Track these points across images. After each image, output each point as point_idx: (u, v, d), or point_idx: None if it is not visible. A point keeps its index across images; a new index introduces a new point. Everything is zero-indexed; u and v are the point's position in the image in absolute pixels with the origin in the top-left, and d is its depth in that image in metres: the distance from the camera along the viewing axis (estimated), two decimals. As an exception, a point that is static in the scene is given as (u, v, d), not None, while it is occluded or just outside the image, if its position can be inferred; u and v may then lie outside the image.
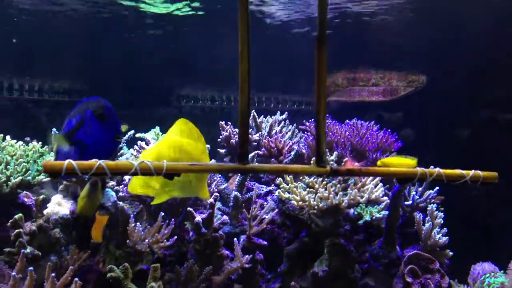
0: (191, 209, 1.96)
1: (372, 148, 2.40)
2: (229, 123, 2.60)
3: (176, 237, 1.92)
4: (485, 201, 3.75)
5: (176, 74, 5.24)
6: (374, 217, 2.08)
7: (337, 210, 1.91)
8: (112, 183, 2.18)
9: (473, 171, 1.19)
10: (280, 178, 2.10)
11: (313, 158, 2.07)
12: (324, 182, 1.96)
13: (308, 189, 1.97)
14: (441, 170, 1.19)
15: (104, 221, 1.65)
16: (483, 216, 3.81)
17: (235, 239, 1.98)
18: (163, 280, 1.97)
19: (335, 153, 2.12)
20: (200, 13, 3.76)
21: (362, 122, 2.86)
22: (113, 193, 2.04)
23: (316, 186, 1.92)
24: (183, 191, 1.32)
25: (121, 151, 2.30)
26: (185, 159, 1.30)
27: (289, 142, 2.43)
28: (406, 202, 2.42)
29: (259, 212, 2.13)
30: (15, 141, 2.19)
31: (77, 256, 1.84)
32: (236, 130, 2.55)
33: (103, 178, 1.79)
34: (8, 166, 1.97)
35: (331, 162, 2.02)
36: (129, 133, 2.18)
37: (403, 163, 1.80)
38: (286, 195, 1.98)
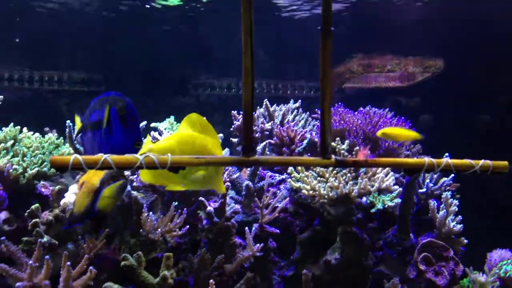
0: (203, 199, 1.99)
1: (385, 136, 2.37)
2: (242, 112, 2.61)
3: (188, 226, 1.95)
4: (503, 187, 3.70)
5: (192, 62, 5.26)
6: (386, 206, 2.07)
7: (348, 199, 1.91)
8: (126, 172, 2.22)
9: (482, 160, 1.18)
10: (291, 167, 2.11)
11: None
12: (335, 172, 1.96)
13: (319, 178, 1.97)
14: (450, 160, 1.18)
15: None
16: (501, 203, 3.76)
17: (246, 228, 2.00)
18: (177, 267, 2.01)
19: (347, 141, 2.11)
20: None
21: (376, 109, 2.84)
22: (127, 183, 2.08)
23: (327, 175, 1.92)
24: (200, 185, 1.35)
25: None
26: (196, 154, 1.32)
27: (301, 131, 2.43)
28: (420, 190, 2.41)
29: (271, 200, 2.15)
30: (31, 133, 2.24)
31: (93, 245, 1.88)
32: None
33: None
34: (25, 158, 2.02)
35: (342, 151, 2.02)
36: (141, 124, 2.20)
37: (403, 134, 1.80)
38: (297, 184, 1.98)
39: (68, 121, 1.95)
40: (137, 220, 1.94)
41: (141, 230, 1.87)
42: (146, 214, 1.88)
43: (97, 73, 5.43)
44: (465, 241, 2.29)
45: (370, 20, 3.86)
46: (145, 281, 1.73)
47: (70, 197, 2.22)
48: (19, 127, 2.23)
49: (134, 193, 2.09)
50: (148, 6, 4.06)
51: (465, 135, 4.32)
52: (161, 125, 2.89)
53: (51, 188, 2.11)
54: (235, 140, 2.54)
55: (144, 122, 2.25)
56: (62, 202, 2.11)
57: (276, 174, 2.42)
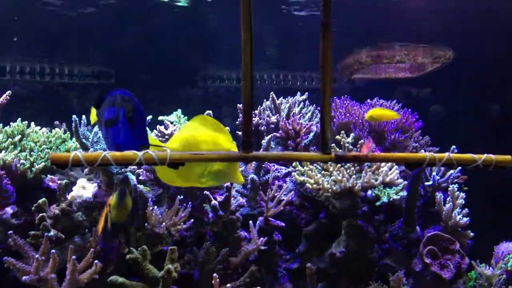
0: (207, 193, 2.00)
1: (391, 128, 2.36)
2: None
3: (192, 220, 1.97)
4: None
5: (201, 54, 5.25)
6: (391, 199, 2.07)
7: (352, 193, 1.90)
8: (132, 166, 2.23)
9: (485, 155, 1.17)
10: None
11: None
12: (339, 165, 1.96)
13: (323, 172, 1.97)
14: (452, 155, 1.17)
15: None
16: (508, 195, 3.72)
17: (251, 222, 2.01)
18: (183, 260, 2.03)
19: (352, 135, 2.10)
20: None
21: (383, 101, 2.82)
22: (133, 177, 2.10)
23: (331, 169, 1.92)
24: (218, 180, 1.35)
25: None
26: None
27: (307, 124, 2.42)
28: (426, 183, 2.39)
29: (276, 194, 2.15)
30: (39, 127, 2.26)
31: (99, 238, 1.91)
32: (254, 112, 2.55)
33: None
34: (32, 153, 2.05)
35: (347, 144, 2.01)
36: (147, 118, 2.21)
37: (387, 114, 1.87)
38: (301, 178, 1.98)
39: (74, 116, 1.97)
40: (143, 214, 1.96)
41: (146, 224, 1.89)
42: (151, 208, 1.89)
43: (107, 66, 5.45)
44: (471, 234, 2.28)
45: (380, 8, 3.80)
46: (149, 274, 1.75)
47: (78, 190, 2.25)
48: (26, 122, 2.26)
49: (140, 187, 2.11)
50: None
51: (476, 125, 4.28)
52: (168, 118, 2.90)
53: (59, 182, 2.14)
54: (241, 133, 2.54)
55: (150, 116, 2.26)
56: (69, 196, 2.14)
57: (282, 167, 2.42)
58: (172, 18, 4.53)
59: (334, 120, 2.42)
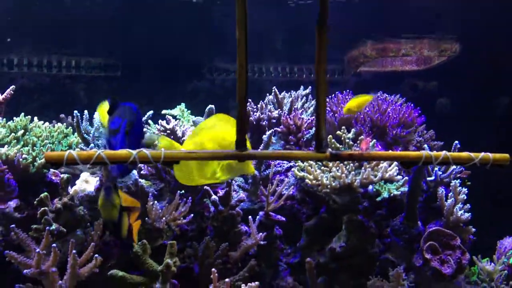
0: (208, 188, 2.01)
1: (393, 123, 2.35)
2: (250, 100, 2.61)
3: (192, 214, 1.98)
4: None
5: (207, 46, 5.24)
6: (392, 194, 2.07)
7: (351, 189, 1.90)
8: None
9: (482, 153, 1.17)
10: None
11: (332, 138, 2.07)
12: (338, 161, 1.96)
13: (323, 168, 1.97)
14: (448, 153, 1.17)
15: (137, 226, 1.68)
16: (507, 193, 3.69)
17: (250, 217, 2.02)
18: (183, 254, 2.05)
19: (353, 130, 2.10)
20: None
21: (387, 95, 2.81)
22: (135, 171, 2.11)
23: (330, 165, 1.92)
24: (232, 173, 1.36)
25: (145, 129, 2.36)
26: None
27: (308, 119, 2.42)
28: (428, 178, 2.39)
29: (277, 188, 2.16)
30: (41, 122, 2.28)
31: (101, 232, 1.93)
32: (255, 106, 2.55)
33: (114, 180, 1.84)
34: (35, 147, 2.07)
35: (348, 140, 2.01)
36: (148, 114, 2.23)
37: (361, 100, 1.87)
38: (301, 173, 1.99)
39: (75, 112, 1.98)
40: (144, 208, 1.98)
41: (146, 218, 1.91)
42: (151, 203, 1.91)
43: (114, 58, 5.47)
44: (473, 229, 2.28)
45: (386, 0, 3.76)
46: (149, 268, 1.77)
47: (81, 184, 2.27)
48: (29, 116, 2.28)
49: (142, 181, 2.12)
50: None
51: (484, 118, 4.24)
52: (172, 112, 2.91)
53: (61, 176, 2.16)
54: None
55: (151, 112, 2.27)
56: (72, 190, 2.16)
57: (284, 162, 2.42)
58: (179, 11, 4.53)
59: (336, 115, 2.41)
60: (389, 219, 2.37)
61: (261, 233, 1.99)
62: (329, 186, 1.89)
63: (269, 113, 2.44)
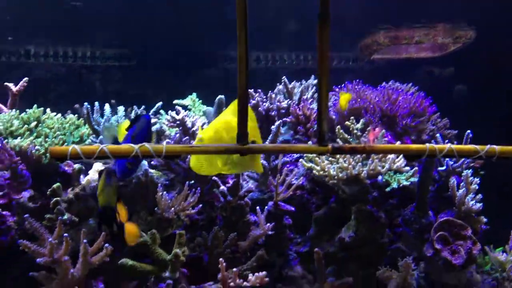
0: (216, 178, 2.03)
1: (403, 113, 2.33)
2: (259, 90, 2.61)
3: (201, 205, 2.01)
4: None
5: (220, 34, 5.23)
6: (401, 185, 2.06)
7: (358, 180, 1.90)
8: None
9: (488, 146, 1.16)
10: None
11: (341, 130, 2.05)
12: (345, 152, 1.95)
13: (330, 159, 1.97)
14: (453, 146, 1.16)
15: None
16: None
17: (258, 207, 2.04)
18: (193, 243, 2.08)
19: (362, 120, 2.09)
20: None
21: (399, 84, 2.78)
22: (145, 162, 2.14)
23: (337, 156, 1.92)
24: (240, 168, 1.38)
25: (155, 121, 2.38)
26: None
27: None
28: (440, 168, 2.37)
29: (286, 178, 2.16)
30: (54, 114, 2.33)
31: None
32: (265, 96, 2.55)
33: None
34: (47, 139, 2.11)
35: (356, 131, 2.00)
36: (157, 105, 2.25)
37: (343, 98, 1.87)
38: (309, 164, 1.99)
39: (85, 104, 2.01)
40: (154, 199, 2.01)
41: (156, 208, 1.94)
42: (160, 193, 1.94)
43: (128, 48, 5.50)
44: (485, 219, 2.26)
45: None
46: (159, 257, 1.80)
47: (94, 174, 2.31)
48: (42, 108, 2.32)
49: (152, 171, 2.15)
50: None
51: (502, 105, 4.16)
52: (183, 102, 2.93)
53: (74, 166, 2.20)
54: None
55: (160, 103, 2.29)
56: (85, 179, 2.20)
57: (294, 152, 2.42)
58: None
59: (345, 105, 2.39)
60: (400, 209, 2.37)
61: (268, 224, 2.01)
62: (336, 177, 1.89)
63: (278, 103, 2.44)
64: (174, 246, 1.79)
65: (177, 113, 2.31)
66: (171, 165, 2.14)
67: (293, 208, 2.20)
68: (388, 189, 2.09)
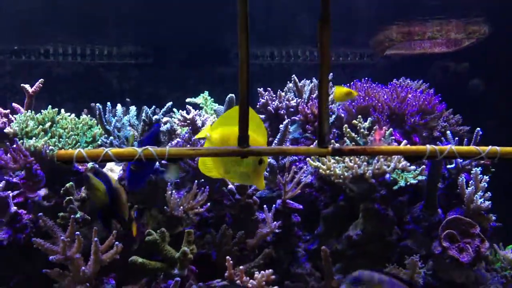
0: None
1: (412, 111, 2.33)
2: (269, 89, 2.62)
3: (209, 203, 2.04)
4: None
5: (234, 31, 5.24)
6: (408, 183, 2.06)
7: (363, 179, 1.92)
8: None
9: (489, 147, 1.17)
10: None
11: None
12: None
13: (337, 158, 1.99)
14: (454, 147, 1.17)
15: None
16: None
17: (265, 206, 2.07)
18: (202, 241, 2.12)
19: (369, 119, 2.09)
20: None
21: (409, 81, 2.77)
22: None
23: (343, 155, 1.93)
24: (241, 180, 1.39)
25: (166, 120, 2.42)
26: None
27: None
28: (449, 166, 2.36)
29: (296, 176, 2.19)
30: (68, 114, 2.39)
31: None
32: (274, 95, 2.57)
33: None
34: (61, 139, 2.17)
35: (362, 130, 2.01)
36: (166, 105, 2.29)
37: (341, 91, 1.86)
38: (315, 163, 2.01)
39: (97, 104, 2.06)
40: (164, 197, 2.06)
41: (165, 207, 1.99)
42: (169, 192, 1.98)
43: (145, 46, 5.56)
44: (494, 217, 2.25)
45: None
46: (168, 255, 1.84)
47: (106, 173, 2.36)
48: (56, 109, 2.38)
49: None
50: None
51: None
52: (195, 101, 2.97)
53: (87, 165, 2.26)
54: (261, 116, 2.57)
55: (170, 103, 2.33)
56: (98, 178, 2.25)
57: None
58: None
59: (353, 103, 2.40)
60: (410, 206, 2.37)
61: (275, 222, 2.04)
62: (341, 176, 1.91)
63: (287, 102, 2.46)
64: (183, 244, 1.83)
65: (188, 113, 2.35)
66: (181, 164, 2.19)
67: (301, 206, 2.22)
68: (395, 187, 2.10)
